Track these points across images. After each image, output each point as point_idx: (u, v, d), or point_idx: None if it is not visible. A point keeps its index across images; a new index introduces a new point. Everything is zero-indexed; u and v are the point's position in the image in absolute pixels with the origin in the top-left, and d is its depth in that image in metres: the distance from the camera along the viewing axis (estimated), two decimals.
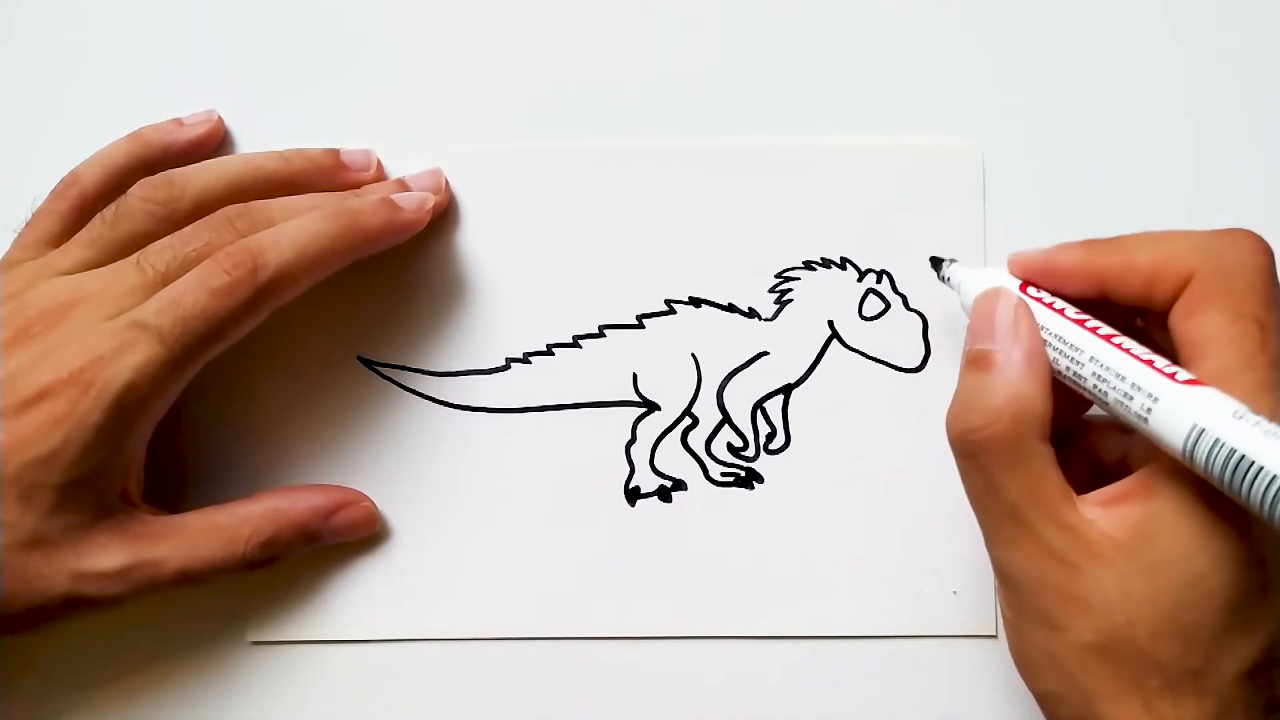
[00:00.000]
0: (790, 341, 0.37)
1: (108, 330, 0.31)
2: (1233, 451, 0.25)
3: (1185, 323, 0.28)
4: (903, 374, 0.37)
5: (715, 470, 0.37)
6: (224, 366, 0.34)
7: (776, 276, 0.37)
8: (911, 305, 0.37)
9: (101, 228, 0.34)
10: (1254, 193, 0.37)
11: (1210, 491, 0.27)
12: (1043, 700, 0.30)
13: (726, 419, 0.37)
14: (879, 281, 0.37)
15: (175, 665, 0.37)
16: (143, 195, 0.34)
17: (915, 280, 0.37)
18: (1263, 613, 0.28)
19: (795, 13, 0.38)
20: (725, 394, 0.37)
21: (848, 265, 0.37)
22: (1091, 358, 0.29)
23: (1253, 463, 0.25)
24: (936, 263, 0.35)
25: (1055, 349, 0.30)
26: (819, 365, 0.37)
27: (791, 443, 0.37)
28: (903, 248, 0.37)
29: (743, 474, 0.37)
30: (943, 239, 0.37)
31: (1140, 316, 0.31)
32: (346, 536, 0.36)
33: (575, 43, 0.38)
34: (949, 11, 0.38)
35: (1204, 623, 0.27)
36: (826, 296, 0.37)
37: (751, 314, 0.37)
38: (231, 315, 0.32)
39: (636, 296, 0.37)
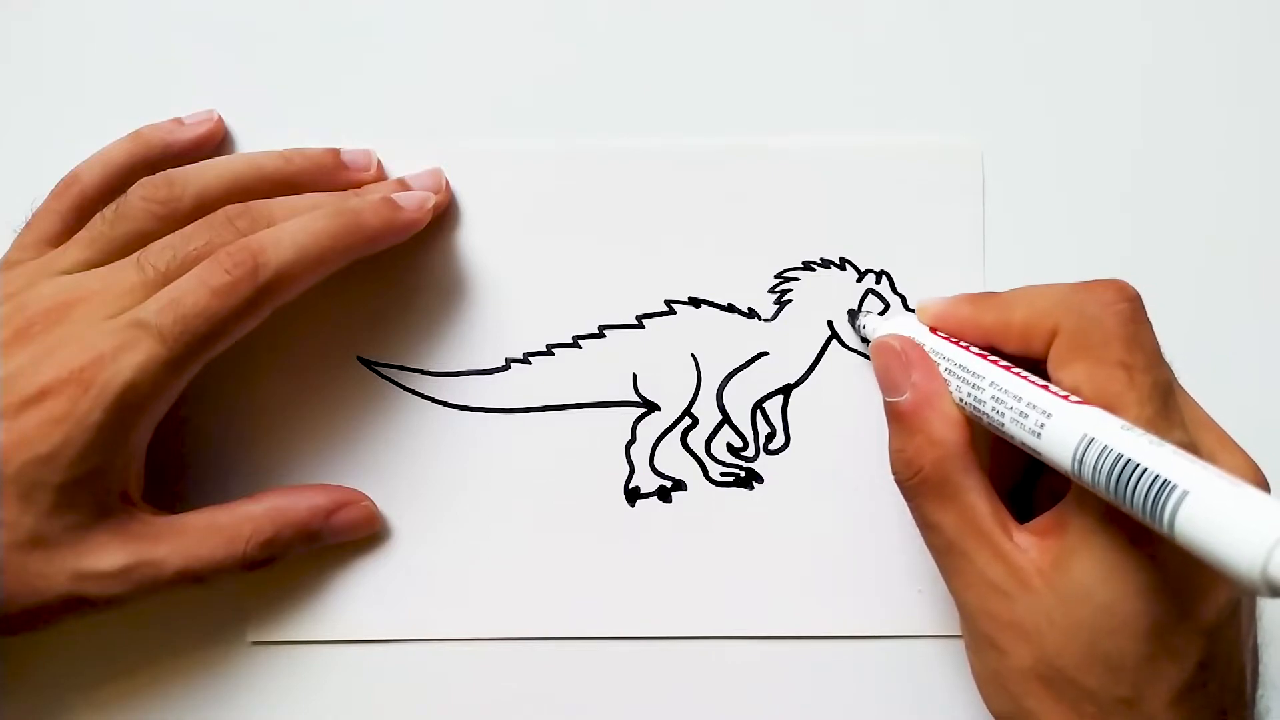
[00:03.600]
0: (790, 341, 0.37)
1: (108, 329, 0.31)
2: (1119, 457, 0.25)
3: (1057, 373, 0.29)
4: None
5: (715, 470, 0.37)
6: (224, 366, 0.34)
7: (776, 276, 0.37)
8: (911, 305, 0.37)
9: (102, 227, 0.34)
10: (1254, 192, 0.37)
11: (1117, 522, 0.27)
12: (995, 717, 0.31)
13: (726, 419, 0.37)
14: (879, 281, 0.37)
15: (175, 665, 0.36)
16: (143, 194, 0.34)
17: (915, 280, 0.37)
18: (1185, 637, 0.28)
19: (795, 13, 0.38)
20: (725, 394, 0.37)
21: (848, 265, 0.37)
22: (991, 383, 0.30)
23: (1138, 465, 0.25)
24: (852, 315, 0.36)
25: (958, 377, 0.31)
26: (819, 365, 0.37)
27: (791, 443, 0.37)
28: (903, 248, 0.37)
29: (742, 474, 0.37)
30: (943, 239, 0.37)
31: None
32: (347, 536, 0.36)
33: (575, 43, 0.38)
34: (949, 11, 0.38)
35: (1125, 651, 0.28)
36: (826, 296, 0.37)
37: (751, 314, 0.37)
38: (232, 314, 0.32)
39: (636, 296, 0.37)
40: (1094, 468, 0.26)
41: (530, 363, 0.37)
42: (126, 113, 0.37)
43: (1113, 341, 0.29)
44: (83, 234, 0.34)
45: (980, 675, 0.31)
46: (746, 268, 0.37)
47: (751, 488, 0.37)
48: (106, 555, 0.32)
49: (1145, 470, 0.25)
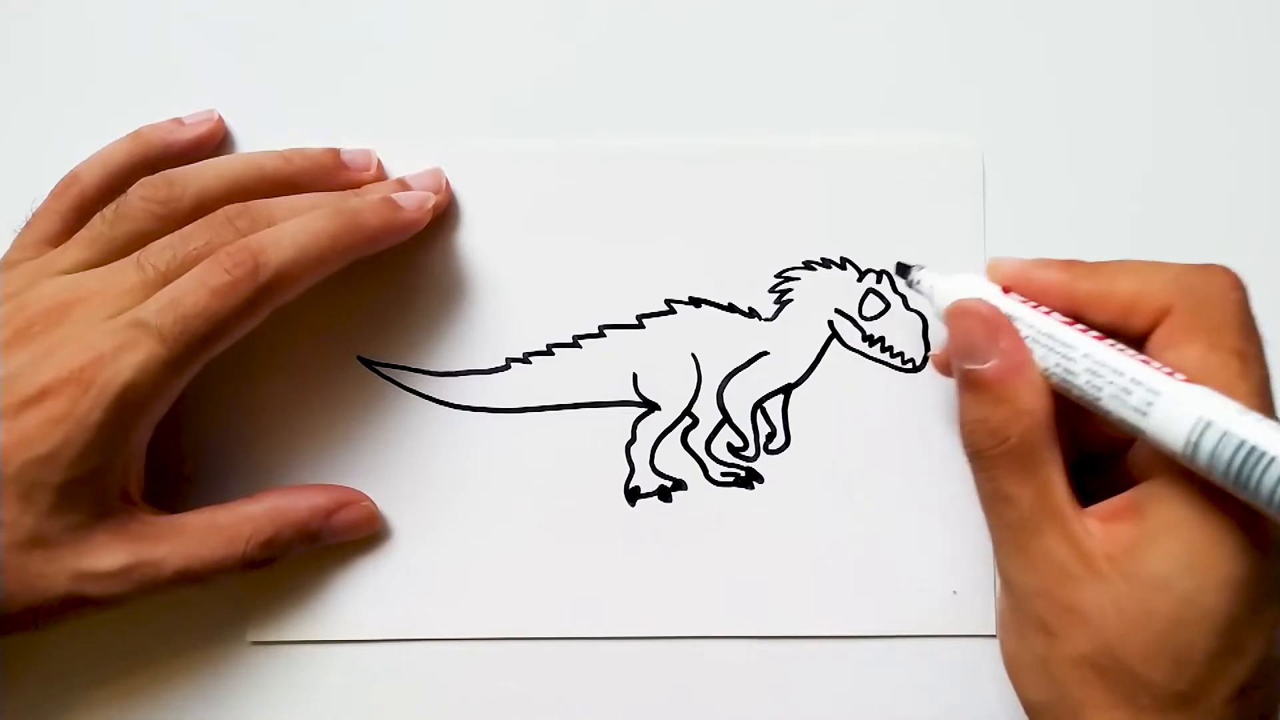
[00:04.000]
0: (790, 341, 0.37)
1: (108, 329, 0.31)
2: (1242, 443, 0.25)
3: (1165, 352, 0.29)
4: (903, 374, 0.37)
5: (715, 470, 0.37)
6: (224, 366, 0.34)
7: (776, 276, 0.37)
8: (911, 305, 0.37)
9: (102, 227, 0.34)
10: (1254, 191, 0.37)
11: (1203, 511, 0.27)
12: (1031, 709, 0.30)
13: (726, 419, 0.37)
14: (879, 281, 0.37)
15: (175, 665, 0.36)
16: (143, 194, 0.34)
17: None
18: (1254, 633, 0.27)
19: (796, 13, 0.38)
20: (725, 394, 0.37)
21: (848, 265, 0.37)
22: (1085, 354, 0.29)
23: (1264, 453, 0.24)
24: (903, 269, 0.34)
25: (1044, 345, 0.29)
26: (819, 365, 0.37)
27: (791, 443, 0.37)
28: (903, 248, 0.37)
29: (743, 474, 0.37)
30: (943, 239, 0.37)
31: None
32: (347, 536, 0.36)
33: (575, 43, 0.38)
34: (949, 12, 0.38)
35: (1195, 644, 0.27)
36: (826, 296, 0.37)
37: (751, 314, 0.37)
38: (232, 314, 0.31)
39: (636, 296, 0.37)
40: (1212, 454, 0.25)
41: (530, 362, 0.37)
42: (126, 113, 0.37)
43: (1229, 328, 0.28)
44: (83, 234, 0.34)
45: (1019, 660, 0.30)
46: (746, 268, 0.37)
47: (752, 488, 0.37)
48: (106, 555, 0.32)
49: (1275, 460, 0.24)
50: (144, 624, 0.36)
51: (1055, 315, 0.30)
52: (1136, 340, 0.29)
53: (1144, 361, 0.28)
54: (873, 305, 0.37)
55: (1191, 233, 0.37)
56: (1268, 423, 0.25)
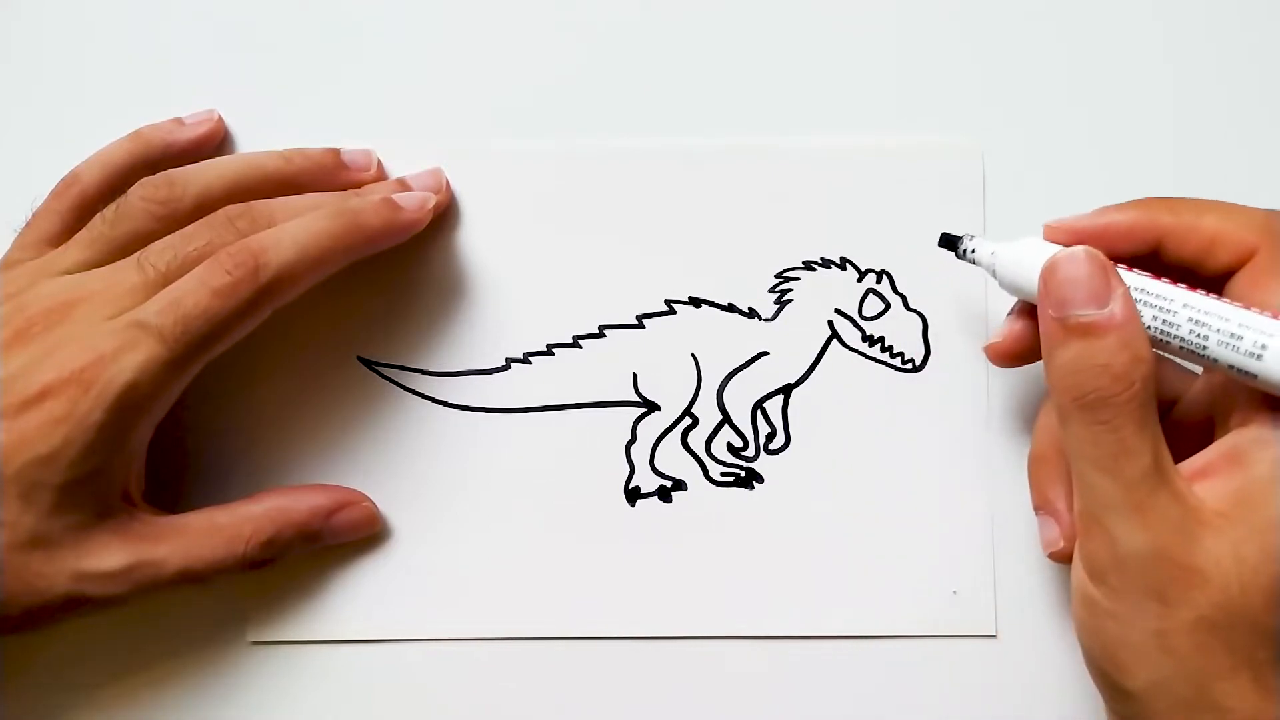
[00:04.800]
0: (790, 341, 0.37)
1: (109, 330, 0.31)
2: None
3: (1251, 291, 0.29)
4: (903, 374, 0.37)
5: (715, 470, 0.37)
6: (224, 366, 0.34)
7: (776, 276, 0.37)
8: (911, 305, 0.37)
9: (102, 227, 0.34)
10: (1252, 191, 0.37)
11: None
12: (1142, 693, 0.29)
13: (726, 419, 0.37)
14: (879, 281, 0.37)
15: (175, 665, 0.36)
16: (143, 195, 0.34)
17: (915, 280, 0.37)
18: None
19: (796, 13, 0.38)
20: (725, 394, 0.37)
21: (848, 265, 0.37)
22: (1185, 304, 0.29)
23: None
24: (951, 241, 0.33)
25: (1141, 302, 0.29)
26: (819, 365, 0.37)
27: (791, 443, 0.37)
28: (903, 248, 0.37)
29: (743, 474, 0.37)
30: None
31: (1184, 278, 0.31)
32: (347, 536, 0.36)
33: (576, 43, 0.38)
34: (949, 12, 0.38)
35: None
36: (826, 296, 0.37)
37: (751, 314, 0.37)
38: (233, 315, 0.31)
39: (636, 296, 0.37)
40: None
41: (530, 363, 0.37)
42: (126, 113, 0.37)
43: None
44: (83, 234, 0.34)
45: (1127, 640, 0.29)
46: (746, 268, 0.37)
47: (752, 487, 0.37)
48: (107, 555, 0.32)
49: None
50: (144, 624, 0.36)
51: (1137, 271, 0.30)
52: (1214, 280, 0.29)
53: (1244, 307, 0.28)
54: (873, 305, 0.37)
55: None
56: None
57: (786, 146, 0.38)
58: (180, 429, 0.37)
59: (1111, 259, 0.30)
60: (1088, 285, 0.29)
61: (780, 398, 0.37)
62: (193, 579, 0.33)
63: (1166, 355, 0.30)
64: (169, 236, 0.33)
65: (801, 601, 0.36)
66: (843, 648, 0.36)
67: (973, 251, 0.33)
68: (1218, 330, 0.28)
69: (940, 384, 0.37)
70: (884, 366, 0.37)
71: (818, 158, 0.37)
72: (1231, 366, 0.28)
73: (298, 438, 0.37)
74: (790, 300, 0.37)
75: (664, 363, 0.37)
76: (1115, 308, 0.29)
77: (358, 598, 0.37)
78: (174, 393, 0.32)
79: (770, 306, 0.37)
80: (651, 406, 0.37)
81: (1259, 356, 0.27)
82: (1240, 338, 0.27)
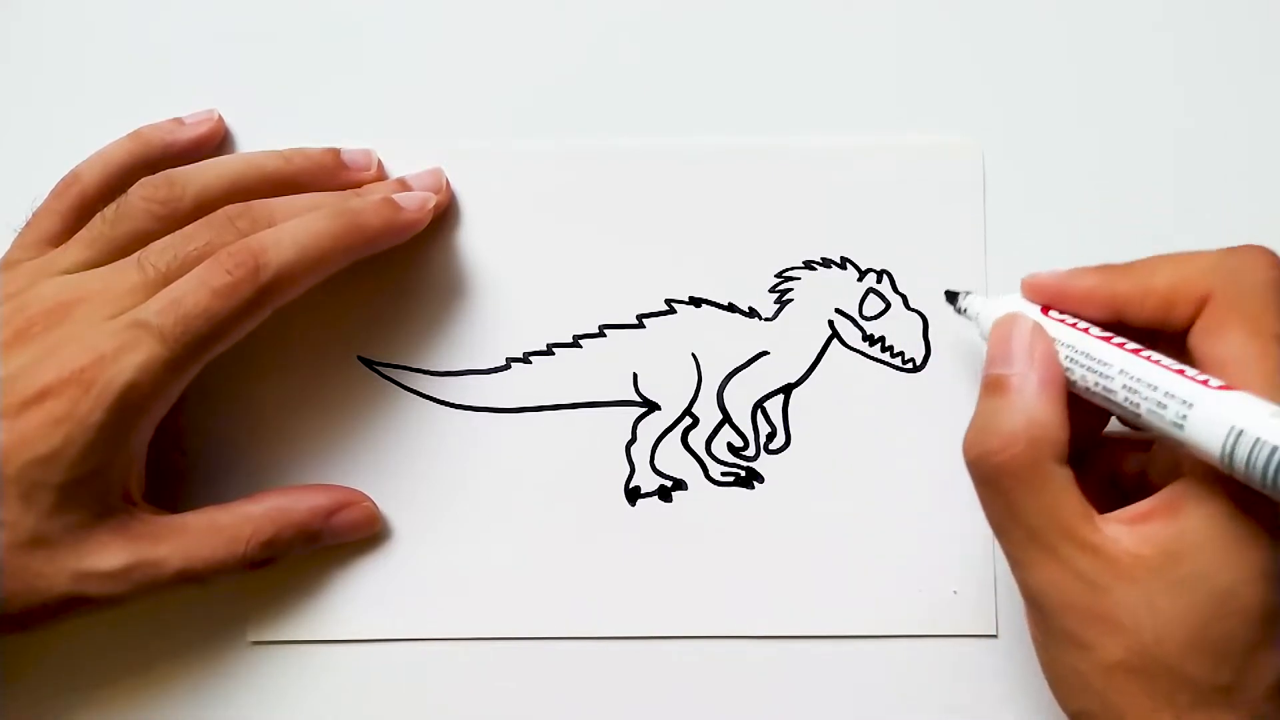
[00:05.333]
0: (790, 341, 0.37)
1: (109, 330, 0.31)
2: (1276, 449, 0.25)
3: (1205, 342, 0.28)
4: (903, 374, 0.37)
5: (715, 470, 0.37)
6: (224, 366, 0.34)
7: (776, 276, 0.37)
8: (911, 305, 0.37)
9: (102, 227, 0.34)
10: (1252, 191, 0.37)
11: (1239, 506, 0.27)
12: (1074, 718, 0.30)
13: (726, 419, 0.37)
14: (879, 281, 0.37)
15: (175, 665, 0.36)
16: (143, 194, 0.34)
17: (915, 280, 0.37)
18: None
19: (795, 13, 0.38)
20: (725, 394, 0.37)
21: (848, 265, 0.37)
22: (1121, 370, 0.29)
23: None
24: (952, 296, 0.35)
25: (1082, 366, 0.30)
26: (819, 365, 0.37)
27: (791, 443, 0.37)
28: (903, 248, 0.37)
29: (743, 474, 0.37)
30: (943, 239, 0.37)
31: (1155, 339, 0.31)
32: (347, 537, 0.36)
33: (575, 43, 0.38)
34: (949, 11, 0.38)
35: (1234, 637, 0.27)
36: (827, 296, 0.37)
37: (751, 314, 0.37)
38: (233, 315, 0.31)
39: (636, 296, 0.37)
40: (1248, 461, 0.25)
41: (530, 362, 0.37)
42: (126, 113, 0.37)
43: (1269, 313, 0.28)
44: (83, 234, 0.34)
45: (1056, 673, 0.30)
46: (746, 267, 0.37)
47: (752, 487, 0.37)
48: (107, 555, 0.32)
49: None
50: (144, 624, 0.36)
51: (1094, 330, 0.30)
52: (1183, 334, 0.29)
53: (1178, 372, 0.28)
54: (873, 305, 0.37)
55: (1193, 231, 0.37)
56: None
57: (786, 146, 0.38)
58: (180, 429, 0.37)
59: (1083, 319, 0.30)
60: (1005, 345, 0.30)
61: (780, 397, 0.37)
62: (192, 579, 0.33)
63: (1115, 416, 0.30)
64: (169, 236, 0.33)
65: (801, 601, 0.36)
66: (843, 648, 0.36)
67: (966, 308, 0.34)
68: (1146, 398, 0.28)
69: (940, 384, 0.37)
70: (884, 366, 0.37)
71: (818, 158, 0.37)
72: (1162, 433, 0.28)
73: (298, 438, 0.37)
74: (790, 300, 0.37)
75: (664, 362, 0.37)
76: (1019, 368, 0.30)
77: (358, 598, 0.37)
78: (174, 393, 0.32)
79: (770, 306, 0.37)
80: (652, 406, 0.37)
81: (1180, 427, 0.27)
82: (1165, 406, 0.27)
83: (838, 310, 0.37)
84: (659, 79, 0.38)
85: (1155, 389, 0.28)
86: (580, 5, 0.38)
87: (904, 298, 0.37)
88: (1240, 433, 0.26)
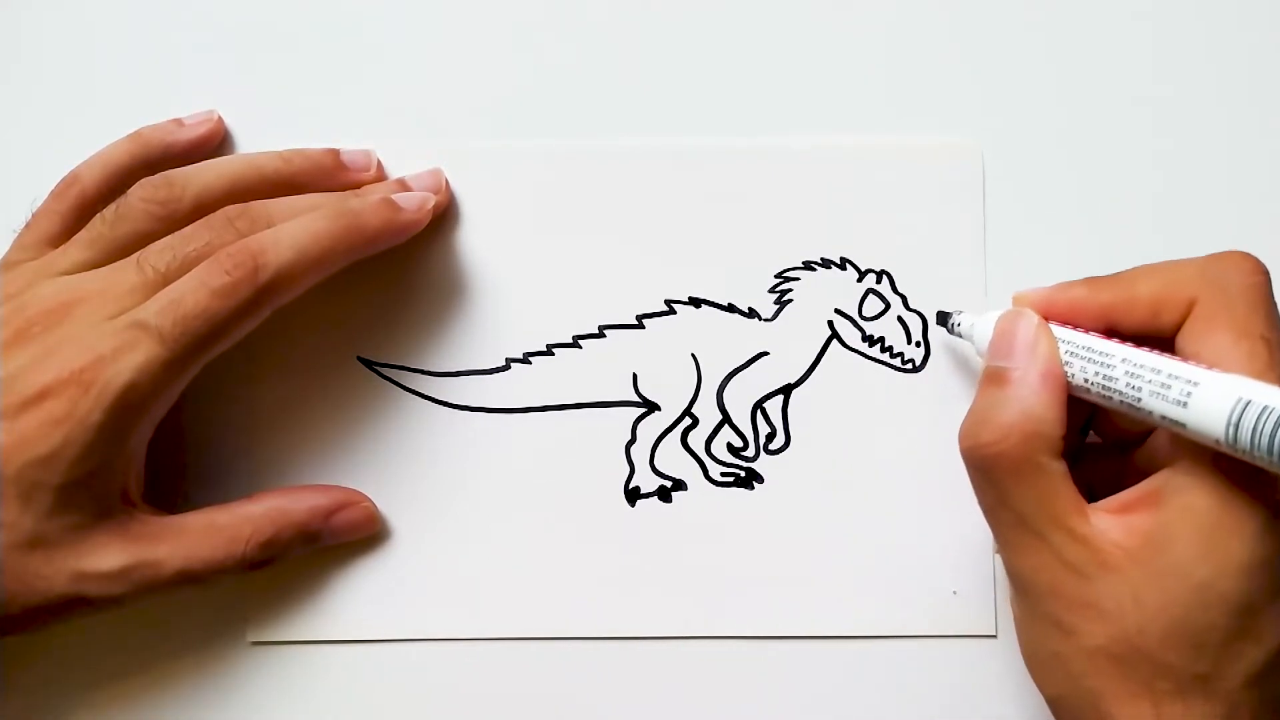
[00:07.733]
0: (790, 341, 0.37)
1: (108, 330, 0.31)
2: None
3: (1193, 344, 0.29)
4: (902, 374, 0.37)
5: (715, 470, 0.37)
6: (224, 366, 0.34)
7: (776, 276, 0.37)
8: (911, 305, 0.37)
9: (101, 228, 0.34)
10: (1251, 191, 0.37)
11: (1218, 499, 0.27)
12: (1051, 703, 0.31)
13: (726, 419, 0.37)
14: (879, 281, 0.37)
15: (175, 665, 0.37)
16: (143, 195, 0.34)
17: (915, 280, 0.37)
18: (1271, 618, 0.28)
19: (795, 13, 0.38)
20: (725, 394, 0.37)
21: (848, 265, 0.37)
22: (1124, 359, 0.29)
23: None
24: (943, 317, 0.35)
25: (1083, 358, 0.30)
26: (819, 365, 0.37)
27: (791, 443, 0.37)
28: (903, 248, 0.37)
29: (743, 474, 0.37)
30: (943, 239, 0.37)
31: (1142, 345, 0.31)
32: (347, 537, 0.36)
33: (575, 43, 0.38)
34: (949, 13, 0.38)
35: (1214, 628, 0.28)
36: (826, 296, 0.37)
37: (751, 314, 0.37)
38: (232, 315, 0.31)
39: (636, 296, 0.37)
40: (1254, 431, 0.26)
41: (530, 363, 0.37)
42: (126, 113, 0.37)
43: (1256, 314, 0.28)
44: (83, 234, 0.34)
45: (1036, 656, 0.31)
46: (746, 268, 0.37)
47: (751, 488, 0.37)
48: (106, 555, 0.32)
49: None
50: (144, 624, 0.36)
51: (1092, 333, 0.31)
52: (1171, 339, 0.30)
53: (1180, 361, 0.28)
54: (873, 305, 0.37)
55: (1192, 231, 0.37)
56: None
57: (786, 146, 0.38)
58: (180, 429, 0.37)
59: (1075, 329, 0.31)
60: (1008, 339, 0.31)
61: (780, 398, 0.37)
62: (192, 579, 0.33)
63: (1112, 409, 0.30)
64: (168, 237, 0.33)
65: (801, 602, 0.36)
66: (843, 648, 0.36)
67: (959, 325, 0.35)
68: (1149, 381, 0.28)
69: (940, 384, 0.37)
70: (884, 366, 0.37)
71: (817, 158, 0.37)
72: (1164, 417, 0.28)
73: (298, 438, 0.37)
74: (790, 300, 0.37)
75: (664, 363, 0.37)
76: (1020, 362, 0.30)
77: (358, 598, 0.37)
78: (174, 393, 0.32)
79: (770, 306, 0.37)
80: (651, 406, 0.37)
81: (1185, 404, 0.27)
82: (1169, 387, 0.28)
83: (837, 311, 0.37)
84: (659, 79, 0.38)
85: (1159, 372, 0.28)
86: (580, 5, 0.38)
87: (904, 298, 0.37)
88: (1248, 403, 0.26)
